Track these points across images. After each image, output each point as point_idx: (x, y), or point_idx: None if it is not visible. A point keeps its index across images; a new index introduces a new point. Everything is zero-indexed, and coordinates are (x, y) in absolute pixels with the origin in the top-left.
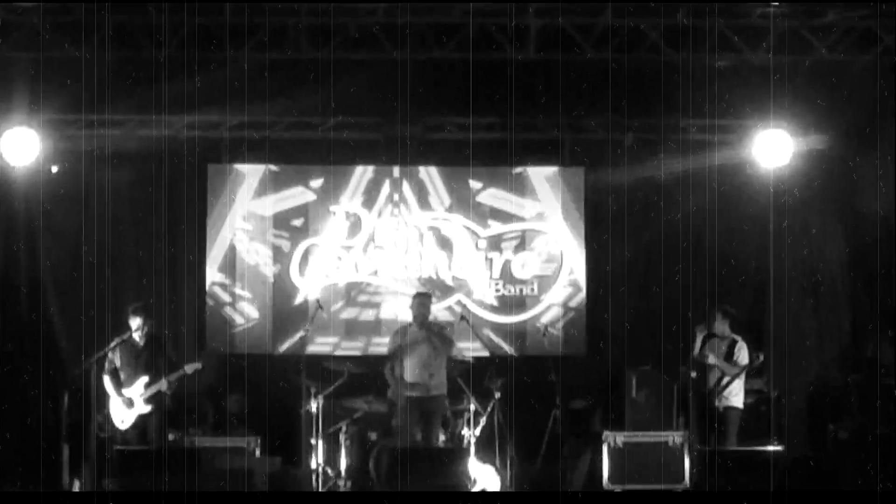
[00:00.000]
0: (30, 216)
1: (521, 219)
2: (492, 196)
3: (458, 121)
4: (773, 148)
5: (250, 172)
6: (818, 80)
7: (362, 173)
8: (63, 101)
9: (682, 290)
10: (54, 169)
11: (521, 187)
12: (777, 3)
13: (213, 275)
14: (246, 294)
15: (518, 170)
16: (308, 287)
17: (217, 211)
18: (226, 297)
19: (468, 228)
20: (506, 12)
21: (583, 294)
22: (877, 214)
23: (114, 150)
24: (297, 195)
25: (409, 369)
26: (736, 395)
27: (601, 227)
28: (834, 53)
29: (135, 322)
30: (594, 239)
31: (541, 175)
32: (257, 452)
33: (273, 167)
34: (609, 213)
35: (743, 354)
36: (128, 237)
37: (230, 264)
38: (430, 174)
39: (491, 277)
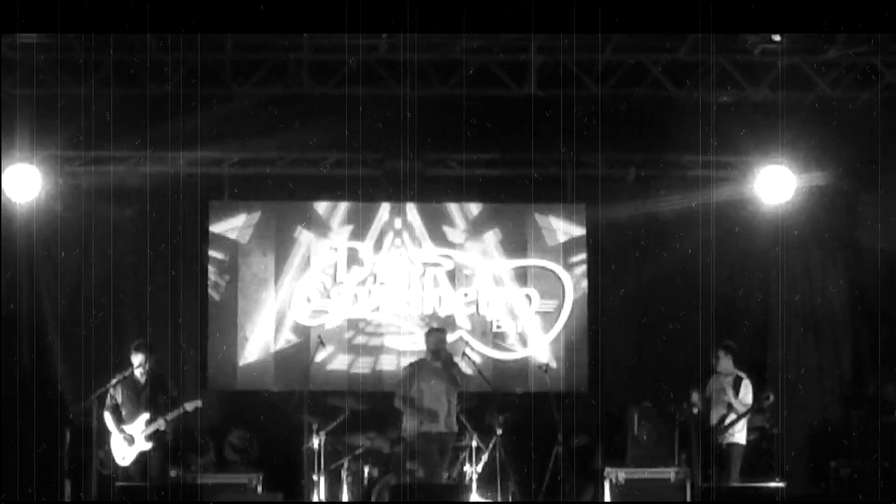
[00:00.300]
0: (31, 252)
1: (522, 255)
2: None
3: (460, 157)
4: (776, 184)
5: (254, 208)
6: (820, 116)
7: (366, 210)
8: (64, 138)
9: (684, 327)
10: (59, 207)
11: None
12: (778, 40)
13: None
14: (250, 331)
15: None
16: (313, 324)
17: (222, 248)
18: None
19: (462, 265)
20: (507, 49)
21: (584, 331)
22: (879, 251)
23: (115, 186)
24: (298, 233)
25: (428, 402)
26: (739, 432)
27: (602, 262)
28: (836, 90)
29: (136, 359)
30: (596, 275)
31: (541, 211)
32: (259, 489)
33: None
34: (610, 249)
35: (749, 392)
36: (129, 274)
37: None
38: (415, 216)
39: (490, 315)
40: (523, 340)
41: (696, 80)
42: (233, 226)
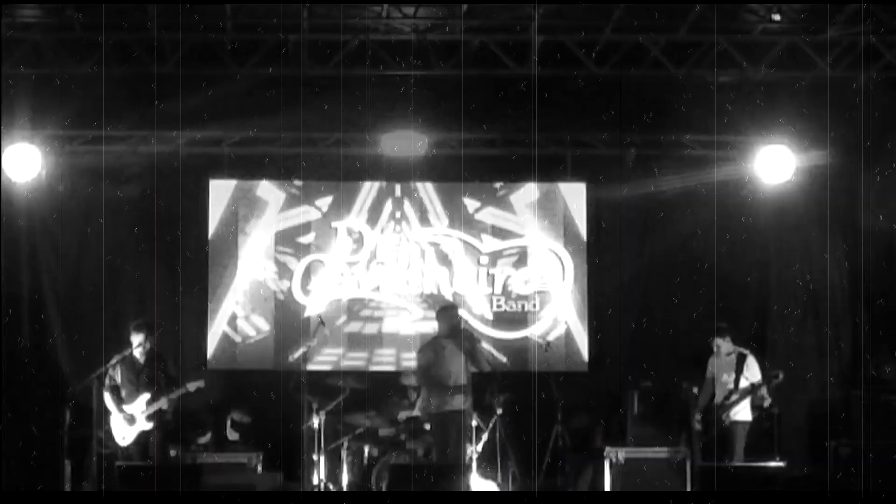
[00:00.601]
0: (32, 232)
1: (522, 234)
2: (490, 214)
3: (461, 137)
4: (776, 164)
5: (254, 188)
6: (820, 96)
7: (368, 190)
8: (64, 117)
9: (684, 307)
10: (59, 186)
11: (520, 203)
12: (778, 19)
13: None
14: (251, 310)
15: (517, 186)
16: (311, 303)
17: (221, 227)
18: (231, 313)
19: (469, 244)
20: (508, 29)
21: (584, 309)
22: (878, 229)
23: (115, 165)
24: (301, 213)
25: (452, 381)
26: (744, 409)
27: (603, 242)
28: (836, 69)
29: (136, 339)
30: (596, 254)
31: (543, 190)
32: (259, 468)
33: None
34: (611, 229)
35: (755, 367)
36: (130, 253)
37: (237, 281)
38: (428, 192)
39: (493, 294)
40: (523, 319)
41: (696, 61)
42: (235, 205)
